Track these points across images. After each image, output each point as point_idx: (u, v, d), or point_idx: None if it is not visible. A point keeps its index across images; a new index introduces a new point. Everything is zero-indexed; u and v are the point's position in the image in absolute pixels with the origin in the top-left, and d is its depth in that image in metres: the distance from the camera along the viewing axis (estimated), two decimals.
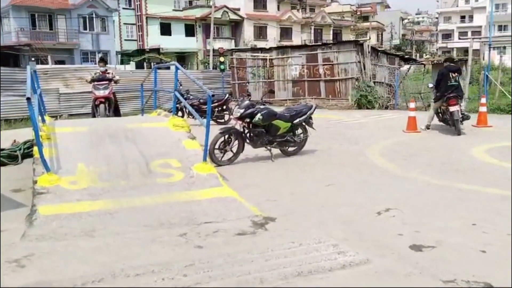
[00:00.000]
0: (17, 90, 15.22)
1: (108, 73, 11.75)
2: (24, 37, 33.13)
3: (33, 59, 26.26)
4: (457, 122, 10.59)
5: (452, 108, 10.59)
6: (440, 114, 11.42)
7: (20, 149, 8.18)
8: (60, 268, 3.75)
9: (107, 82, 11.45)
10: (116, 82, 11.81)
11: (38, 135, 5.78)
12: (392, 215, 5.02)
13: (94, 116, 11.46)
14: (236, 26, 45.92)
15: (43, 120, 7.35)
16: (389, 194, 5.92)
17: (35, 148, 5.92)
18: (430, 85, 11.88)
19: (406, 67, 20.38)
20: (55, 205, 5.07)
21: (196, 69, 35.74)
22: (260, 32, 47.37)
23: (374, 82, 18.62)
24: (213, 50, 33.26)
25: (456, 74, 11.01)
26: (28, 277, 3.59)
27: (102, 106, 11.19)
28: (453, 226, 4.66)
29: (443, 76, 10.96)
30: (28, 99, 5.50)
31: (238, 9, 45.17)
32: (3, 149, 8.17)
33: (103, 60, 12.66)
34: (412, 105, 11.80)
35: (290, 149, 8.60)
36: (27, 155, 8.04)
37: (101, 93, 11.36)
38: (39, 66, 15.95)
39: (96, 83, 11.44)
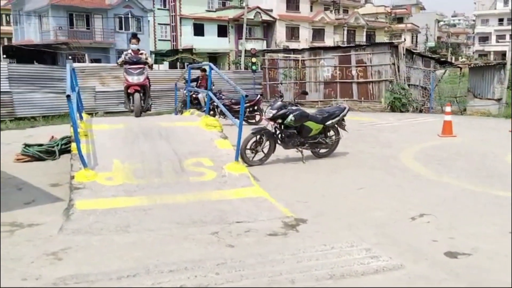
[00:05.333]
0: (54, 87, 15.67)
1: (142, 53, 9.72)
2: (62, 35, 34.05)
3: (70, 57, 26.96)
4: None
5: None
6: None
7: (57, 145, 8.43)
8: (96, 262, 3.84)
9: (142, 66, 9.49)
10: (150, 67, 9.97)
11: (76, 131, 5.93)
12: (427, 221, 4.94)
13: (128, 106, 9.78)
14: (268, 27, 45.94)
15: (81, 117, 7.54)
16: (423, 199, 5.82)
17: (73, 144, 6.08)
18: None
19: (441, 71, 19.95)
20: (92, 200, 5.20)
21: (228, 69, 35.95)
22: (292, 33, 47.24)
23: (409, 85, 18.33)
24: (245, 50, 33.39)
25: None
26: (65, 269, 3.69)
27: (137, 95, 9.35)
28: (488, 234, 4.55)
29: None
30: (68, 96, 5.66)
31: (271, 10, 45.16)
32: (41, 145, 8.43)
33: (136, 37, 9.98)
34: (448, 109, 11.56)
35: (322, 151, 8.55)
36: (64, 150, 8.27)
37: (135, 79, 9.42)
38: (76, 64, 16.36)
39: (128, 66, 9.44)
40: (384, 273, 3.66)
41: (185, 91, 13.37)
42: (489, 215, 5.14)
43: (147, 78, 9.69)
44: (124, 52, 9.75)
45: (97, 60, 32.03)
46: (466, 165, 7.90)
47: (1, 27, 51.77)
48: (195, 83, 14.27)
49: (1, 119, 13.48)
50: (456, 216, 5.12)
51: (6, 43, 42.42)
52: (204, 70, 14.63)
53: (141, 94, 9.52)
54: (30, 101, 15.31)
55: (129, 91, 9.48)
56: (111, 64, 26.04)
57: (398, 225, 4.83)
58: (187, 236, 4.41)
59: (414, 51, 23.29)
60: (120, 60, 9.65)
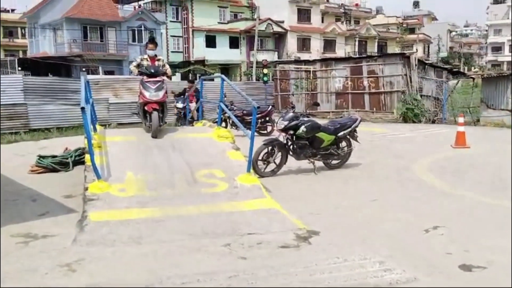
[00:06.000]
0: (68, 99, 15.85)
1: (159, 59, 8.52)
2: (76, 48, 34.52)
3: (84, 69, 27.32)
4: None
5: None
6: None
7: (71, 156, 8.51)
8: (109, 273, 3.86)
9: (161, 79, 8.09)
10: (169, 77, 8.63)
11: (90, 143, 5.99)
12: (440, 233, 4.89)
13: (143, 124, 8.38)
14: (279, 38, 46.15)
15: (95, 129, 7.61)
16: (437, 211, 5.77)
17: (87, 156, 6.14)
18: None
19: (453, 81, 19.84)
20: (105, 211, 5.24)
21: (239, 81, 36.10)
22: (304, 44, 47.37)
23: (421, 96, 18.23)
24: (257, 62, 33.54)
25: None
26: (78, 281, 3.71)
27: (155, 115, 7.87)
28: (504, 246, 4.47)
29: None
30: (83, 108, 5.73)
31: (282, 22, 45.37)
32: (55, 156, 8.53)
33: (153, 41, 8.77)
34: (461, 119, 11.46)
35: (334, 162, 8.52)
36: (78, 162, 8.34)
37: (154, 96, 7.96)
38: (90, 77, 16.54)
39: (146, 79, 8.03)
40: (398, 286, 3.62)
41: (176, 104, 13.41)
42: (504, 228, 5.05)
43: (166, 92, 8.32)
44: (139, 57, 8.60)
45: (111, 72, 32.39)
46: (480, 177, 7.81)
47: (17, 40, 52.88)
48: (183, 96, 13.86)
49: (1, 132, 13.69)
50: (471, 228, 5.07)
51: (21, 56, 43.16)
52: (191, 82, 14.19)
53: (159, 112, 8.05)
54: (44, 113, 15.50)
55: (146, 108, 8.06)
56: (125, 76, 26.36)
57: (412, 237, 4.79)
58: (199, 248, 4.41)
59: (426, 61, 23.23)
60: (134, 65, 8.38)
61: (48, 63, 29.04)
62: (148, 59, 8.33)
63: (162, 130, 8.21)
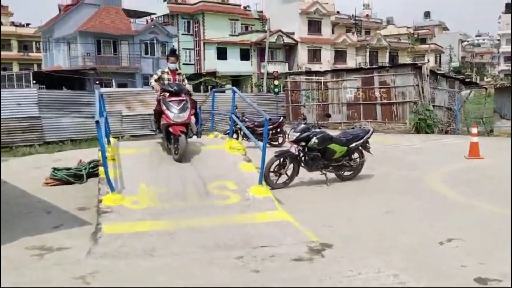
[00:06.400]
0: (82, 112, 16.06)
1: (179, 73, 8.03)
2: (90, 61, 35.01)
3: (97, 82, 27.63)
4: None
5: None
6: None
7: (85, 169, 8.59)
8: (123, 286, 3.87)
9: (185, 98, 7.50)
10: (190, 95, 8.03)
11: (104, 156, 6.05)
12: (455, 245, 4.83)
13: (165, 145, 7.63)
14: (290, 49, 46.32)
15: (108, 142, 7.69)
16: (451, 223, 5.70)
17: (101, 169, 6.20)
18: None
19: (466, 91, 19.73)
20: (118, 224, 5.27)
21: (250, 92, 36.25)
22: (314, 55, 47.46)
23: (433, 106, 18.16)
24: (267, 73, 33.67)
25: None
26: None
27: (183, 139, 7.13)
28: None
29: None
30: (97, 122, 5.80)
31: (293, 33, 45.58)
32: (69, 169, 8.61)
33: (175, 54, 8.34)
34: (474, 130, 11.35)
35: (346, 173, 8.49)
36: (92, 174, 8.42)
37: (178, 117, 7.27)
38: (104, 89, 16.76)
39: (169, 99, 7.37)
40: None
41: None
42: None
43: (191, 111, 7.69)
44: (160, 70, 8.15)
45: (123, 85, 32.73)
46: (495, 188, 7.71)
47: (32, 54, 53.76)
48: None
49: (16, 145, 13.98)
50: (486, 240, 5.01)
51: (36, 69, 43.82)
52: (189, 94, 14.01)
53: (185, 134, 7.33)
54: (58, 126, 15.73)
55: (171, 130, 7.28)
56: (137, 88, 26.59)
57: (426, 250, 4.74)
58: (212, 261, 4.41)
59: (438, 71, 23.14)
60: (155, 78, 7.87)
61: (62, 76, 29.39)
62: (169, 73, 7.88)
63: None
